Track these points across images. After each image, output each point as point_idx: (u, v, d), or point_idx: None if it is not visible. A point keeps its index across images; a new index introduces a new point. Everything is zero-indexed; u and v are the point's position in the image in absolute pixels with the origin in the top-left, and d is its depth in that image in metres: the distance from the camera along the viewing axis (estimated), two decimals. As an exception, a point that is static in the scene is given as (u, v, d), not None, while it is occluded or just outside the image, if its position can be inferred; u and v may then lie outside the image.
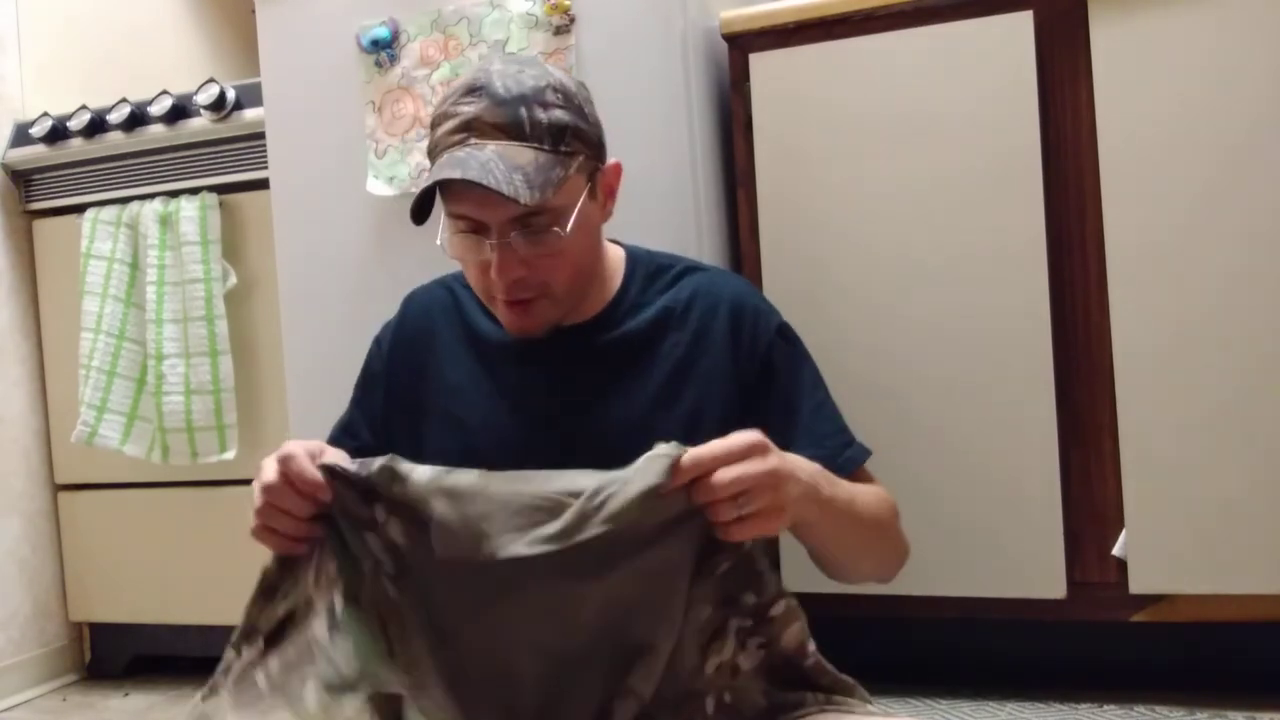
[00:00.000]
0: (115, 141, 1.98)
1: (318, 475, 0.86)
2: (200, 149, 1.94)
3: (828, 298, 1.48)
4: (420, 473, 0.83)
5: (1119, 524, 1.40)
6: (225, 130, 1.91)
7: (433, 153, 1.02)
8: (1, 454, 2.01)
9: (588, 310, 1.09)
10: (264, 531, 0.89)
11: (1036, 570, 1.42)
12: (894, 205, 1.47)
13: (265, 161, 1.69)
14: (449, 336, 1.12)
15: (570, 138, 0.98)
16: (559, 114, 0.98)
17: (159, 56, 2.48)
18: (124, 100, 1.96)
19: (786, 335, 1.11)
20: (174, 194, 1.93)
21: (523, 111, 0.96)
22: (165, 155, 1.96)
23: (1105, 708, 1.43)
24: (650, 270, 1.12)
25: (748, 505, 0.81)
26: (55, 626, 2.08)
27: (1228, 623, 1.38)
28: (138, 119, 1.96)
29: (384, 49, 1.55)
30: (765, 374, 1.07)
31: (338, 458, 0.87)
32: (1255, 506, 1.34)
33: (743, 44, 1.53)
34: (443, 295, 1.16)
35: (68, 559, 2.09)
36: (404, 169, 1.54)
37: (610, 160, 1.07)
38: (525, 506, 0.81)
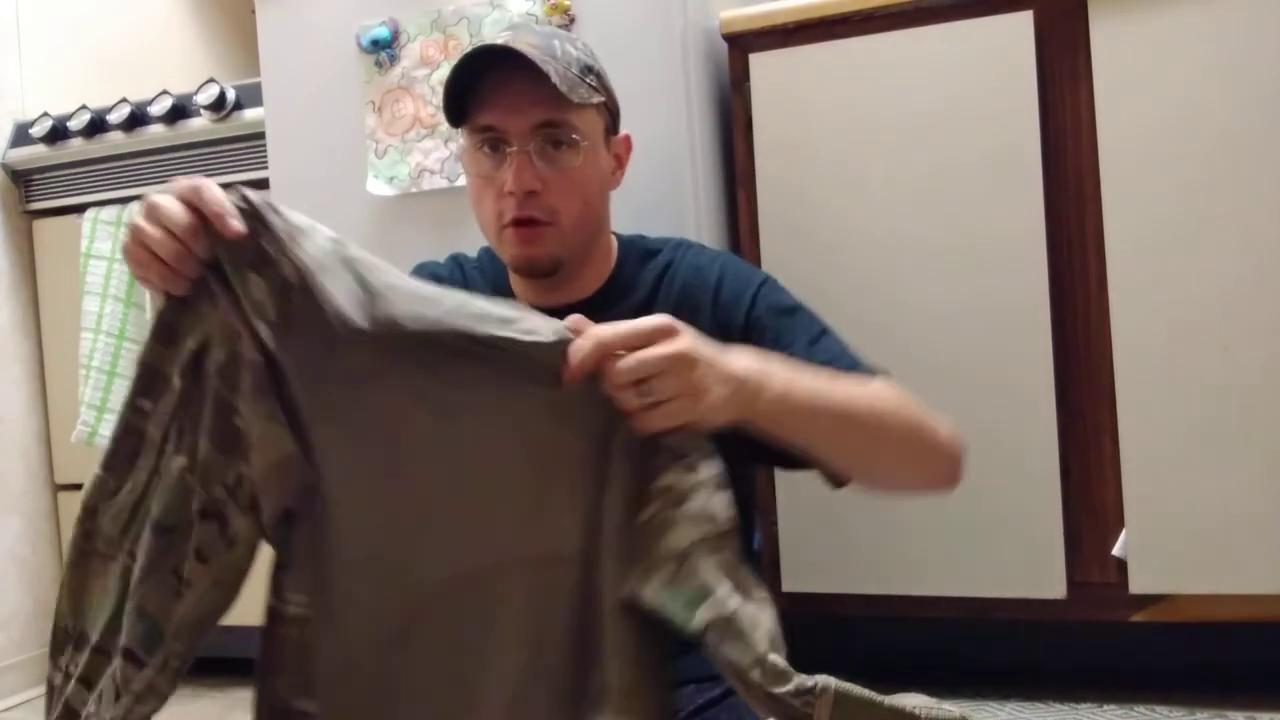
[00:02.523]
0: (115, 141, 1.98)
1: (232, 208, 0.74)
2: (200, 149, 1.94)
3: (827, 298, 1.48)
4: (322, 233, 0.76)
5: (1119, 524, 1.40)
6: (225, 130, 1.91)
7: (454, 77, 1.03)
8: (1, 454, 2.01)
9: (585, 288, 1.11)
10: (152, 264, 0.76)
11: (1036, 570, 1.42)
12: (894, 206, 1.47)
13: (265, 161, 1.69)
14: None
15: (595, 77, 1.05)
16: (586, 58, 1.06)
17: (159, 56, 2.48)
18: (124, 100, 1.96)
19: (768, 290, 1.10)
20: (174, 194, 1.93)
21: (555, 42, 1.03)
22: (165, 155, 1.96)
23: (1105, 708, 1.43)
24: (641, 252, 1.15)
25: (650, 394, 0.73)
26: (55, 626, 2.08)
27: (1228, 623, 1.38)
28: (138, 119, 1.96)
29: (384, 49, 1.55)
30: (751, 332, 1.06)
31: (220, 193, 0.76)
32: (1255, 506, 1.34)
33: (743, 44, 1.53)
34: (453, 269, 1.18)
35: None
36: (404, 169, 1.54)
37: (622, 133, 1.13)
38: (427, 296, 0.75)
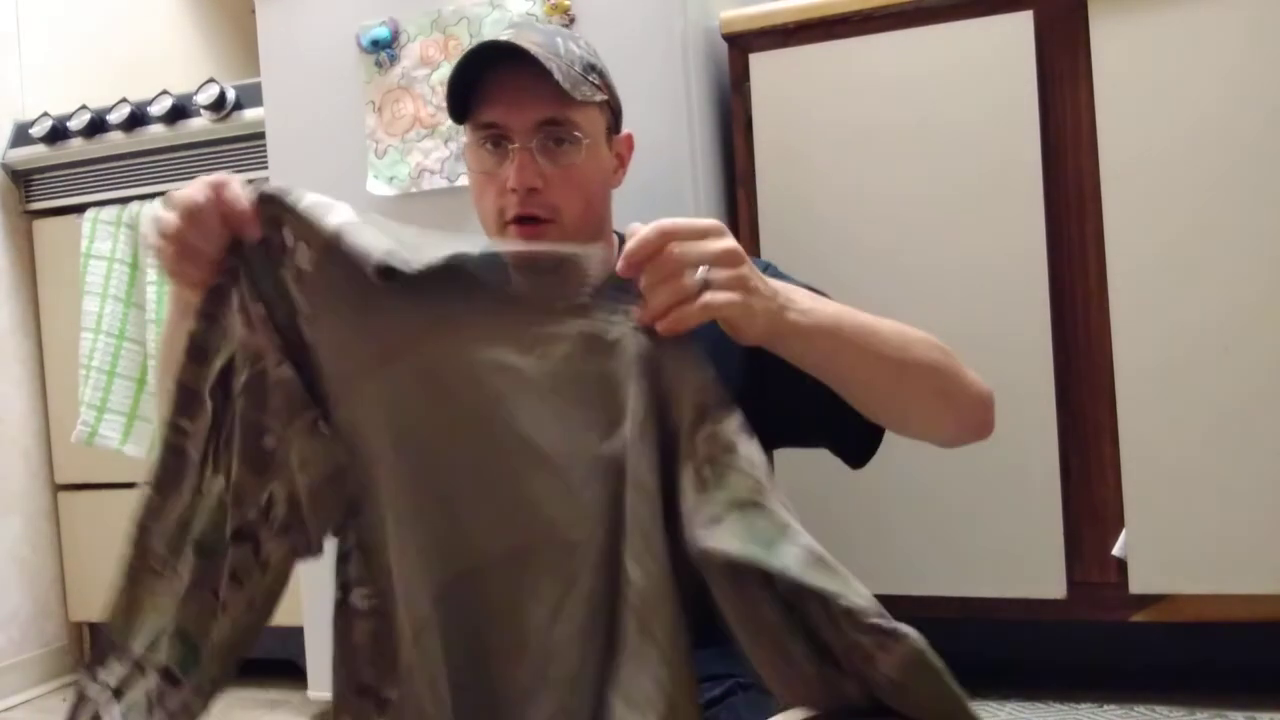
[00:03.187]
0: (115, 141, 1.98)
1: (248, 206, 0.76)
2: (200, 149, 1.94)
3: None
4: (344, 206, 0.76)
5: (1119, 524, 1.40)
6: (225, 130, 1.91)
7: (457, 73, 1.03)
8: (1, 454, 2.01)
9: None
10: (181, 261, 0.77)
11: (1036, 570, 1.42)
12: (894, 205, 1.47)
13: (265, 161, 1.69)
14: None
15: (598, 75, 1.05)
16: (589, 56, 1.06)
17: (159, 56, 2.49)
18: (124, 100, 1.96)
19: (773, 275, 1.11)
20: (174, 194, 1.93)
21: (558, 40, 1.03)
22: (165, 155, 1.96)
23: (1105, 708, 1.43)
24: None
25: (707, 281, 0.75)
26: (55, 626, 2.08)
27: (1228, 623, 1.38)
28: (138, 119, 1.96)
29: (384, 49, 1.55)
30: None
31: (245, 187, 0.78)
32: (1255, 506, 1.34)
33: (743, 44, 1.53)
34: None
35: (68, 559, 2.09)
36: (404, 169, 1.54)
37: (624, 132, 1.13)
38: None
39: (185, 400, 0.78)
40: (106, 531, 2.04)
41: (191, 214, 0.76)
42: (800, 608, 0.68)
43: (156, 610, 0.80)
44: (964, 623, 1.50)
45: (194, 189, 0.77)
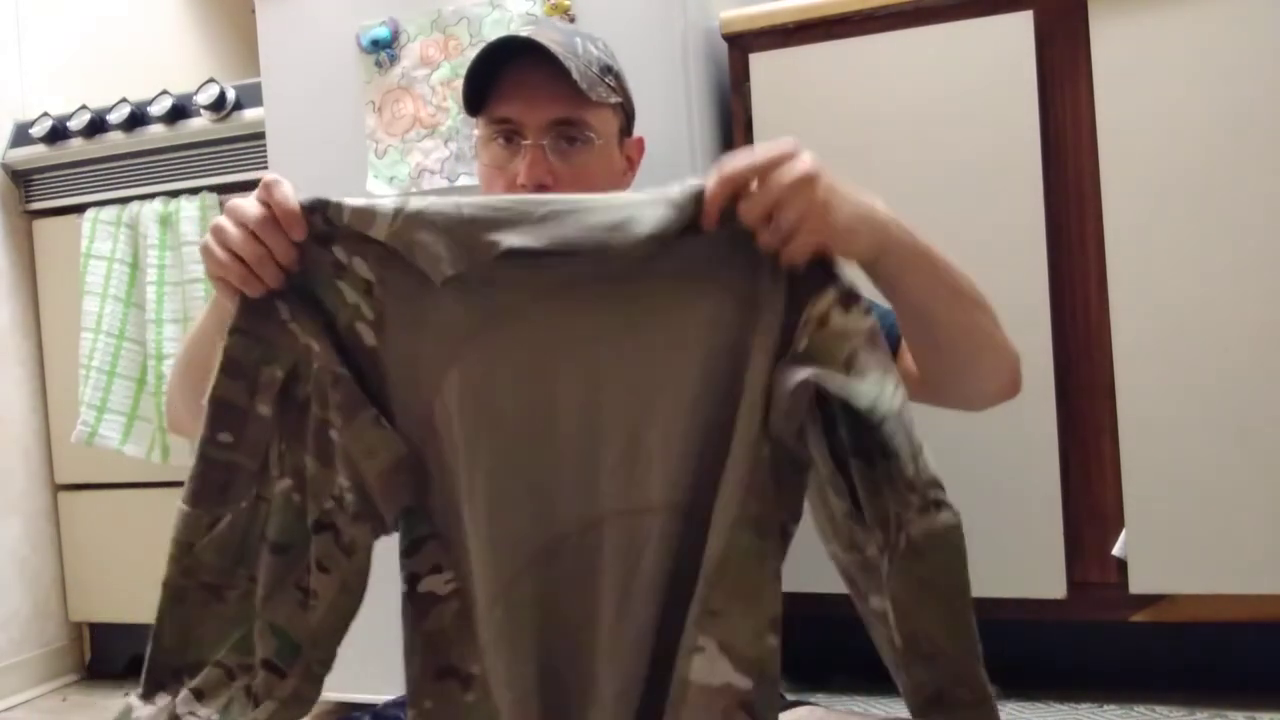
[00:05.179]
0: (115, 141, 1.98)
1: (296, 206, 0.75)
2: (200, 149, 1.94)
3: (828, 298, 1.48)
4: (385, 206, 0.75)
5: (1119, 524, 1.40)
6: (225, 130, 1.91)
7: (476, 66, 1.03)
8: (1, 454, 2.01)
9: None
10: (232, 264, 0.76)
11: (1036, 570, 1.42)
12: (894, 206, 1.47)
13: (265, 161, 1.69)
14: None
15: (613, 78, 1.07)
16: (606, 58, 1.07)
17: (159, 56, 2.49)
18: (124, 100, 1.96)
19: None
20: (174, 194, 1.93)
21: (577, 40, 1.05)
22: (165, 155, 1.96)
23: (1105, 708, 1.43)
24: None
25: (779, 229, 0.73)
26: (55, 626, 2.08)
27: (1228, 623, 1.38)
28: (138, 119, 1.96)
29: (384, 49, 1.55)
30: None
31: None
32: (1255, 506, 1.34)
33: (743, 44, 1.53)
34: None
35: (68, 559, 2.09)
36: (404, 169, 1.54)
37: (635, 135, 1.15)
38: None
39: (222, 415, 0.79)
40: (106, 531, 2.04)
41: (260, 223, 0.75)
42: (864, 458, 0.74)
43: (225, 620, 0.81)
44: (964, 623, 1.51)
45: (248, 200, 0.77)
